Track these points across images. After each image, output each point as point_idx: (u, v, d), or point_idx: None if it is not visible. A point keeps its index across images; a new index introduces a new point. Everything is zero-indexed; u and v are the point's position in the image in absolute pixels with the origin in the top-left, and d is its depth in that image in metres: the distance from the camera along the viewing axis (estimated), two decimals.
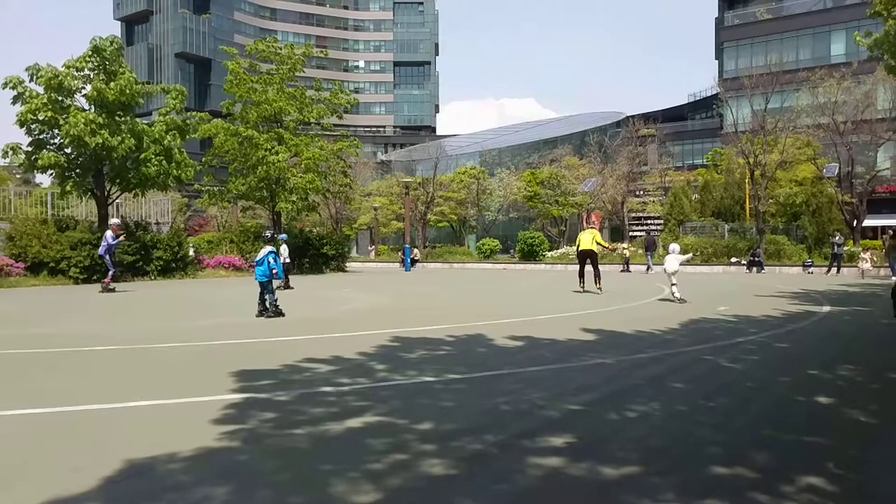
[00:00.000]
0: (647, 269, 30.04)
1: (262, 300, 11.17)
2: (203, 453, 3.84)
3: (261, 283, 11.09)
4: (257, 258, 11.37)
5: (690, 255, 20.98)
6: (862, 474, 3.57)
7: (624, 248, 32.94)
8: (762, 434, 4.27)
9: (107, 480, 3.40)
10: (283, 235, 20.27)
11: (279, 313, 11.08)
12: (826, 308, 12.70)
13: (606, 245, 18.54)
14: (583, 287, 16.62)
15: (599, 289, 16.04)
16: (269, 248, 11.32)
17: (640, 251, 33.77)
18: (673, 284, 14.11)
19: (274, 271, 11.09)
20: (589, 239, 16.36)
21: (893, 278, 20.91)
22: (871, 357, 7.53)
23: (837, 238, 27.72)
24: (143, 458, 3.72)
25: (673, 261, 14.29)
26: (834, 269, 26.91)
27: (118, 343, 8.16)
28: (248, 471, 3.57)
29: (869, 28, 19.20)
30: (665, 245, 22.88)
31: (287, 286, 17.71)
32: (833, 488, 3.31)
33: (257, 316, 11.05)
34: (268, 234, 12.16)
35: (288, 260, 18.59)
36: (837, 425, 4.55)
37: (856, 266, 26.37)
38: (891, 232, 26.95)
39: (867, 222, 37.95)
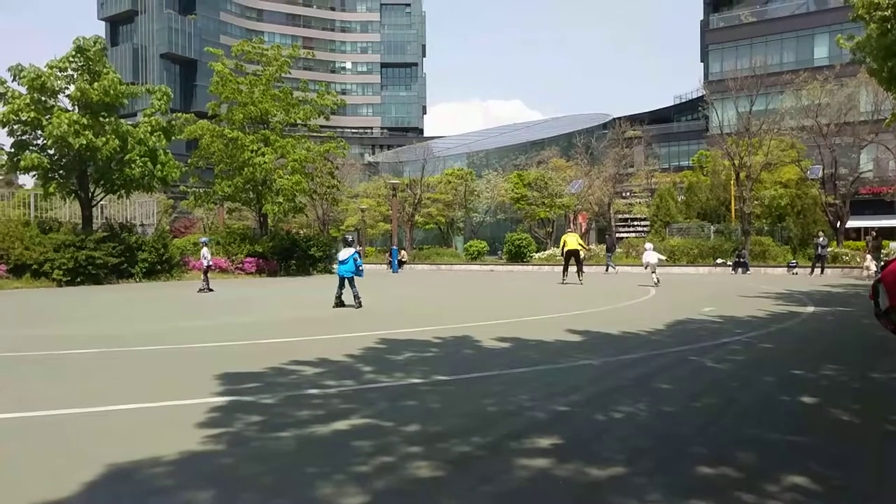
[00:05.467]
0: (607, 269, 30.35)
1: (339, 294, 12.83)
2: (187, 457, 3.79)
3: (346, 279, 12.79)
4: (341, 258, 13.00)
5: (664, 257, 25.32)
6: (845, 473, 3.59)
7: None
8: (747, 434, 4.29)
9: (88, 485, 3.35)
10: (205, 239, 20.70)
11: (360, 304, 12.69)
12: (810, 308, 12.82)
13: (585, 245, 24.16)
14: (564, 280, 20.16)
15: (580, 281, 19.84)
16: (352, 249, 13.05)
17: (602, 252, 34.00)
18: (653, 272, 18.68)
19: (360, 268, 12.96)
20: (574, 240, 19.98)
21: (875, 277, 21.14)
22: (854, 357, 7.60)
23: (821, 239, 27.98)
24: (125, 462, 3.67)
25: (652, 255, 19.07)
26: (818, 270, 27.17)
27: (99, 346, 8.06)
28: (233, 474, 3.53)
29: (851, 31, 19.44)
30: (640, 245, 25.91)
31: (208, 289, 17.99)
32: (817, 487, 3.33)
33: (334, 307, 12.56)
34: (348, 237, 14.39)
35: (211, 263, 19.30)
36: (821, 424, 4.58)
37: (860, 267, 26.71)
38: (873, 233, 27.31)
39: (850, 223, 38.38)
